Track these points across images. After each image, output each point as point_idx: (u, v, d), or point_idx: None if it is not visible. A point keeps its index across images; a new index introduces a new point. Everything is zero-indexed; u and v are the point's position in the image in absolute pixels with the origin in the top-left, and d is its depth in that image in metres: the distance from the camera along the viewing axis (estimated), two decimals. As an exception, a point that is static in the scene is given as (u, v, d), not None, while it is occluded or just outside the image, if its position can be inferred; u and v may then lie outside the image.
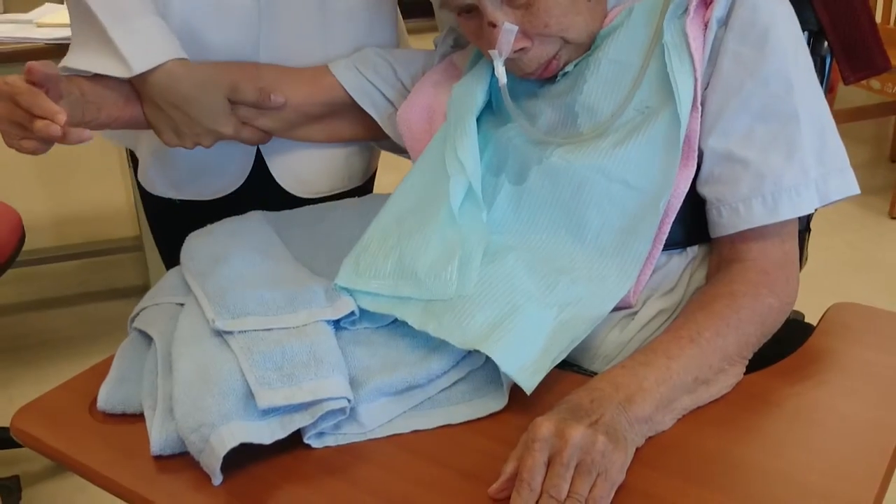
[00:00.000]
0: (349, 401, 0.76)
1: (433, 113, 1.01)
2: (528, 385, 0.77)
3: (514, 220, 0.92)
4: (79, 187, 3.29)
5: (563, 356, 0.80)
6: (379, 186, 1.33)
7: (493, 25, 0.87)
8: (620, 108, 0.88)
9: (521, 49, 0.88)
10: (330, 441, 0.77)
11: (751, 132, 0.85)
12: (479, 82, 0.97)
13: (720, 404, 0.79)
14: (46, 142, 0.90)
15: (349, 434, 0.78)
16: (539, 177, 0.90)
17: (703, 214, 0.89)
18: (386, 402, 0.80)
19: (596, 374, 0.88)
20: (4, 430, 1.98)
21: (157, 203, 1.23)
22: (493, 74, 0.98)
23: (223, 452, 0.71)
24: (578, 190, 0.88)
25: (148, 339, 0.91)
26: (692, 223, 0.88)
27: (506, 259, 0.87)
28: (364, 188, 1.26)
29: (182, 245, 1.05)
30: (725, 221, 0.85)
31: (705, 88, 0.86)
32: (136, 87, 1.03)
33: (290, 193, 1.18)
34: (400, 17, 1.20)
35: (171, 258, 1.34)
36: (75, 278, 2.72)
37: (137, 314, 0.96)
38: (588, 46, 0.91)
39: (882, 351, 0.85)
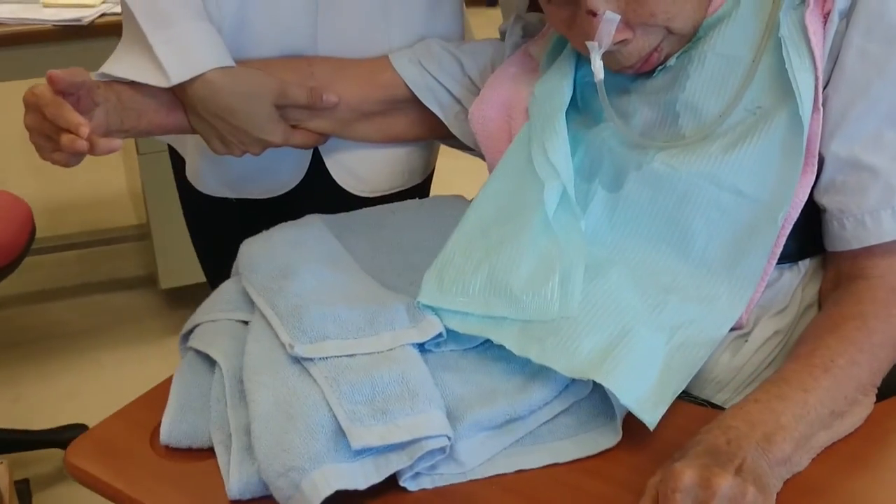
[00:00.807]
0: (449, 438, 0.69)
1: (512, 109, 0.93)
2: (651, 419, 0.69)
3: (609, 230, 0.84)
4: (76, 173, 3.16)
5: (684, 386, 0.73)
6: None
7: (593, 14, 0.78)
8: (729, 108, 0.80)
9: (622, 41, 0.80)
10: (426, 483, 0.70)
11: (879, 137, 0.77)
12: (563, 77, 0.89)
13: (854, 439, 0.72)
14: (76, 155, 0.85)
15: (447, 475, 0.70)
16: (638, 183, 0.83)
17: (817, 224, 0.81)
18: (485, 438, 0.72)
19: (707, 401, 0.81)
20: (13, 432, 1.91)
21: (202, 201, 1.16)
22: (577, 68, 0.90)
23: (317, 501, 0.64)
24: (683, 199, 0.80)
25: (208, 360, 0.83)
26: (805, 234, 0.81)
27: (608, 274, 0.79)
28: (423, 185, 1.18)
29: (226, 244, 0.99)
30: (850, 235, 0.78)
31: (825, 87, 0.79)
32: (178, 95, 0.97)
33: (347, 192, 1.11)
34: (463, 4, 1.11)
35: (214, 259, 1.27)
36: (77, 269, 2.62)
37: (191, 331, 0.88)
38: (690, 37, 0.83)
39: None
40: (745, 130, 0.79)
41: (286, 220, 1.10)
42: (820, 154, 0.78)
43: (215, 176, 1.12)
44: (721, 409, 0.81)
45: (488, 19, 1.11)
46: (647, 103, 0.85)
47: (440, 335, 0.78)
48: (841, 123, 0.78)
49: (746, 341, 0.81)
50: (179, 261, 2.26)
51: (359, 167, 1.09)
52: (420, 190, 1.17)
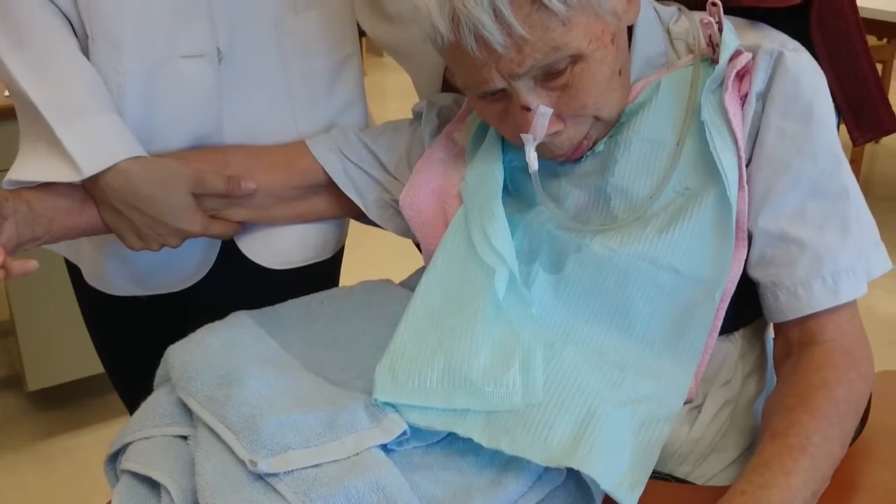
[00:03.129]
0: (434, 545, 0.66)
1: (445, 195, 0.93)
2: (631, 502, 0.69)
3: (553, 312, 0.84)
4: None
5: (654, 464, 0.73)
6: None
7: (527, 109, 0.80)
8: (658, 190, 0.82)
9: (555, 132, 0.81)
10: (412, 593, 0.67)
11: (803, 210, 0.81)
12: (492, 162, 0.90)
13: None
14: None
15: (432, 582, 0.68)
16: (578, 266, 0.84)
17: (748, 296, 0.84)
18: (465, 538, 0.70)
19: (671, 475, 0.82)
20: None
21: (107, 303, 1.10)
22: (504, 153, 0.91)
23: None
24: (623, 279, 0.82)
25: (149, 483, 0.76)
26: (738, 306, 0.83)
27: (563, 356, 0.79)
28: (335, 258, 1.16)
29: (137, 344, 0.97)
30: (784, 306, 0.81)
31: (747, 166, 0.82)
32: (90, 191, 0.93)
33: (258, 267, 1.07)
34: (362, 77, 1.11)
35: (119, 364, 1.20)
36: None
37: (121, 450, 0.81)
38: (615, 123, 0.86)
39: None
40: (676, 211, 0.82)
41: (199, 307, 1.07)
42: (748, 230, 0.82)
43: (122, 275, 1.07)
44: (684, 481, 0.83)
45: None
46: (578, 187, 0.87)
47: (404, 433, 0.76)
48: (766, 200, 0.81)
49: (700, 412, 0.83)
50: (47, 360, 2.11)
51: (272, 239, 1.07)
52: (332, 262, 1.15)
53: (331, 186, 1.02)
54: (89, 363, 2.08)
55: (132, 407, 1.01)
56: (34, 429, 2.20)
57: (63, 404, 2.24)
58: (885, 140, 3.89)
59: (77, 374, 2.13)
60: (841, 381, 0.77)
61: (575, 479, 0.74)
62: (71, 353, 2.09)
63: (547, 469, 0.74)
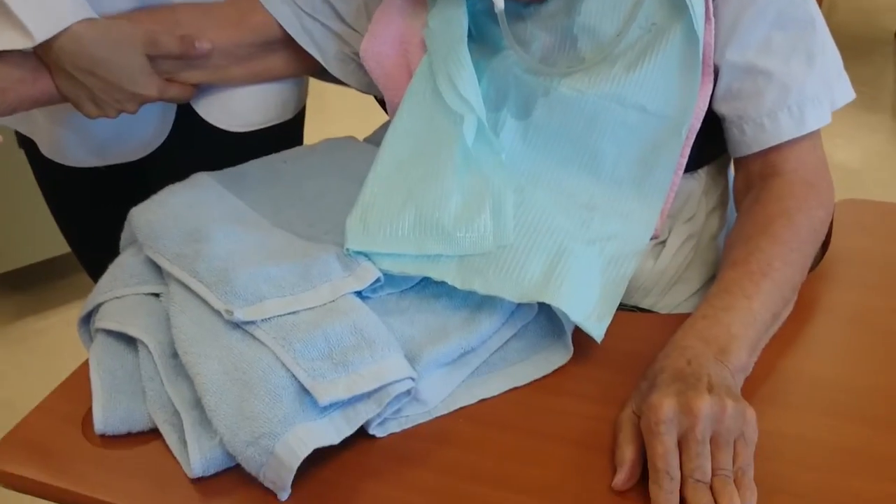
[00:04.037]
0: (413, 380, 0.68)
1: (407, 44, 0.90)
2: (599, 333, 0.71)
3: (522, 157, 0.84)
4: None
5: (620, 298, 0.75)
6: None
7: None
8: (625, 27, 0.81)
9: None
10: (394, 427, 0.69)
11: (770, 41, 0.80)
12: (457, 6, 0.87)
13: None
14: None
15: (413, 416, 0.70)
16: (547, 109, 0.83)
17: (713, 133, 0.84)
18: (443, 374, 0.72)
19: (636, 306, 0.84)
20: None
21: (64, 176, 1.07)
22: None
23: (296, 463, 0.62)
24: (591, 121, 0.81)
25: (124, 339, 0.77)
26: (702, 143, 0.83)
27: (533, 199, 0.80)
28: (296, 120, 1.13)
29: (98, 216, 0.95)
30: (749, 139, 0.81)
31: None
32: (43, 57, 0.89)
33: (218, 131, 1.04)
34: None
35: (82, 234, 1.19)
36: None
37: (93, 311, 0.81)
38: None
39: None
40: (643, 48, 0.81)
41: (158, 175, 1.05)
42: (715, 64, 0.81)
43: (80, 145, 1.04)
44: (649, 311, 0.85)
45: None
46: (544, 29, 0.85)
47: (378, 280, 0.76)
48: (733, 32, 0.80)
49: (664, 247, 0.85)
50: (13, 242, 2.09)
51: (229, 101, 1.03)
52: (293, 124, 1.12)
53: (287, 42, 0.99)
54: (52, 244, 2.07)
55: (98, 277, 1.01)
56: (2, 312, 2.20)
57: (30, 286, 2.23)
58: (843, -8, 3.87)
59: (40, 256, 2.12)
60: (801, 209, 0.78)
61: (545, 314, 0.76)
62: (32, 235, 2.06)
63: (519, 306, 0.75)
